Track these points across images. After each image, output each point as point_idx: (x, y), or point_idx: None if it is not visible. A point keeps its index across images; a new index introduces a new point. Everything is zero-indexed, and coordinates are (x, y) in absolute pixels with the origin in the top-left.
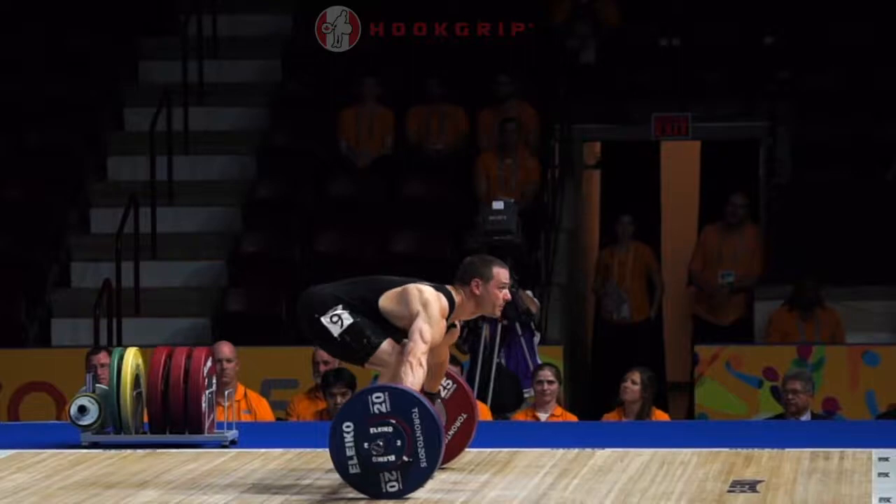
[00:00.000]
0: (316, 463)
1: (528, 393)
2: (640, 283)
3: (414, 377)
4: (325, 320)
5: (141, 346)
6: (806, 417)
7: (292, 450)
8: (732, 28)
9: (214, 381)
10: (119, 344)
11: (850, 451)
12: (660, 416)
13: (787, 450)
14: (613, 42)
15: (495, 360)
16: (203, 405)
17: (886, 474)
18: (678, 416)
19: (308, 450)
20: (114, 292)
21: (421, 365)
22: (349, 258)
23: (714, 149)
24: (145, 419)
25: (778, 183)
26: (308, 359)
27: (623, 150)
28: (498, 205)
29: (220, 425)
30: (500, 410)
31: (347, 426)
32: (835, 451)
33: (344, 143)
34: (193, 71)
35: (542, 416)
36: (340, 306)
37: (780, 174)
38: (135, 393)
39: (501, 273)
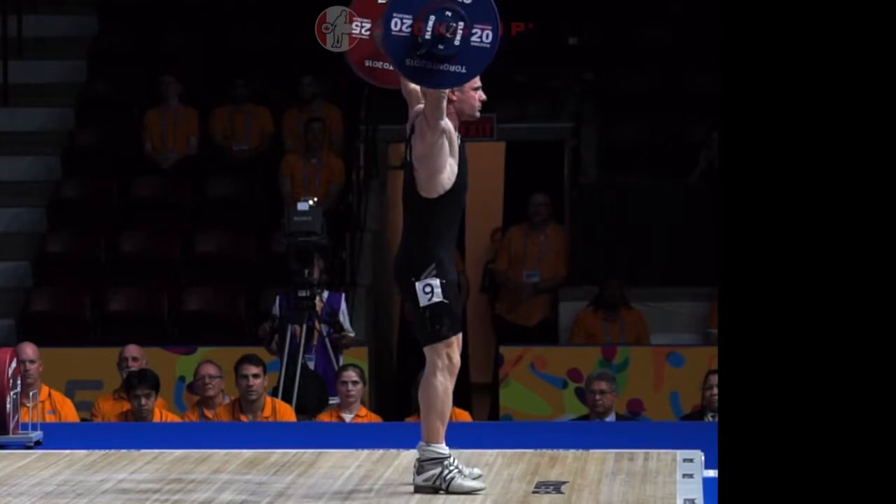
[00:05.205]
0: (121, 464)
1: (334, 400)
2: None
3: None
4: (418, 286)
5: None
6: (611, 418)
7: (97, 451)
8: (536, 29)
9: (19, 381)
10: None
11: (654, 451)
12: (461, 416)
13: (591, 451)
14: None
15: (300, 361)
16: (7, 406)
17: (691, 475)
18: (481, 417)
19: (113, 451)
20: None
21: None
22: (154, 258)
23: (519, 150)
24: None
25: (582, 184)
26: (113, 360)
27: None
28: (302, 205)
29: (25, 426)
30: (304, 411)
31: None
32: (639, 452)
33: (148, 143)
34: None
35: (347, 417)
36: (435, 270)
37: (584, 175)
38: None
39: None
